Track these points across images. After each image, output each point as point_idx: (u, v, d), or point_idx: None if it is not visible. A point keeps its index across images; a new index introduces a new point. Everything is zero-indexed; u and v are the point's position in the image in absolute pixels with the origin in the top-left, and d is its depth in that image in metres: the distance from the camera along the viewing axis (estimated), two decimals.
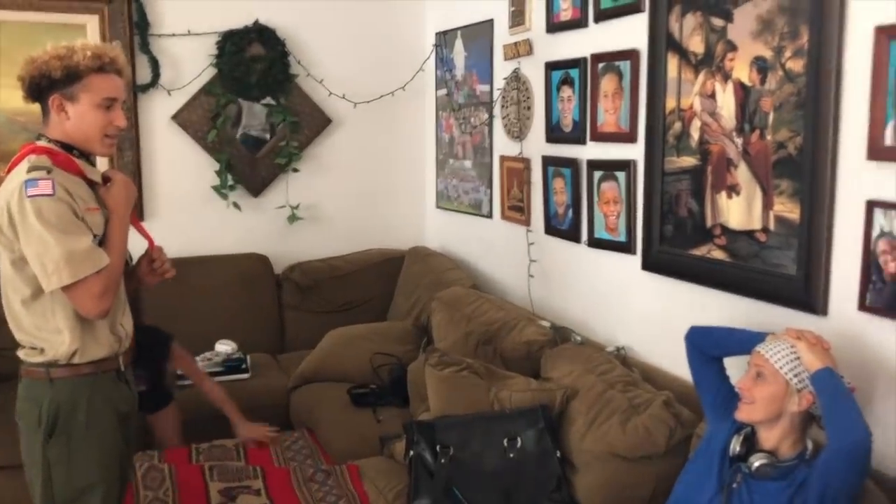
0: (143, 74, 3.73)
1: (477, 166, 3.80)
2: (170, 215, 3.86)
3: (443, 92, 4.07)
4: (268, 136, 3.99)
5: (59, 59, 1.87)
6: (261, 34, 3.86)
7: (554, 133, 3.10)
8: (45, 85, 1.90)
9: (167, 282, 2.17)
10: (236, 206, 3.95)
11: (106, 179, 2.01)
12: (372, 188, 4.26)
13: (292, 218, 4.05)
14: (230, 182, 3.92)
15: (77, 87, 1.90)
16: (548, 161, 3.14)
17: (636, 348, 2.73)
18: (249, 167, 3.97)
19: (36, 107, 1.98)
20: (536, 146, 3.24)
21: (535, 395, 2.49)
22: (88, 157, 2.01)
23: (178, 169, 3.88)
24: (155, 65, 3.75)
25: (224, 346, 3.52)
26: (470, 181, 3.88)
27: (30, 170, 1.85)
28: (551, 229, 3.17)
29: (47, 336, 1.92)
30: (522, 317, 3.01)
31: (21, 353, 1.97)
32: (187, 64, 3.82)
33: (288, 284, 3.93)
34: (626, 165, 2.67)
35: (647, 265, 2.61)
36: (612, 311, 2.86)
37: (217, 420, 3.09)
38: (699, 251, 2.40)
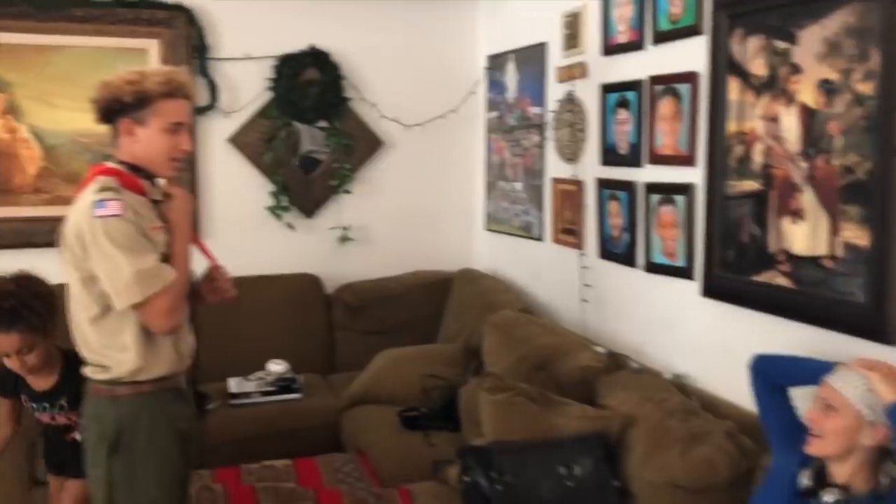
0: (202, 97, 3.80)
1: (528, 189, 3.79)
2: (225, 235, 3.90)
3: (494, 114, 4.08)
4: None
5: (130, 84, 1.91)
6: (316, 58, 3.92)
7: (609, 155, 3.08)
8: (116, 108, 1.94)
9: (227, 301, 2.20)
10: (290, 226, 3.99)
11: (166, 195, 2.05)
12: (422, 210, 4.28)
13: (344, 239, 4.08)
14: (284, 203, 3.97)
15: (146, 111, 1.94)
16: (603, 184, 3.12)
17: (694, 376, 2.67)
18: (303, 188, 4.02)
19: (100, 128, 2.03)
20: (590, 168, 3.22)
21: (591, 423, 2.45)
22: (153, 179, 2.05)
23: (233, 190, 3.94)
24: (213, 88, 3.82)
25: (276, 366, 3.54)
26: (520, 203, 3.87)
27: (99, 190, 1.89)
28: (606, 253, 3.14)
29: (113, 353, 1.94)
30: (576, 342, 2.97)
31: (87, 371, 2.01)
32: (244, 87, 3.89)
33: (339, 305, 3.95)
34: (686, 189, 2.64)
35: (708, 291, 2.56)
36: (669, 338, 2.81)
37: (266, 440, 3.10)
38: (762, 277, 2.34)
